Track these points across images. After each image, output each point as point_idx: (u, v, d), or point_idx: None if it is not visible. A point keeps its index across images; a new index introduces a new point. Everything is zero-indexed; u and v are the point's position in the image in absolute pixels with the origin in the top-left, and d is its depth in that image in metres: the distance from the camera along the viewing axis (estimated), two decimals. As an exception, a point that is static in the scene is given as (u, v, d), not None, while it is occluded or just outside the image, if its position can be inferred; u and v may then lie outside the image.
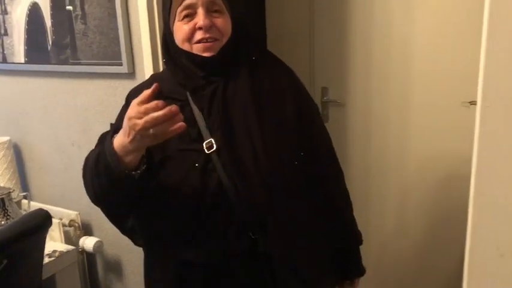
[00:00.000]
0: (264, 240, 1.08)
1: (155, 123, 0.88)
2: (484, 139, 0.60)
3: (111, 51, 1.64)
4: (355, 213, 2.04)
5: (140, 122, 0.88)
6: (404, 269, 2.23)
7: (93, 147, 1.20)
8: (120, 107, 1.23)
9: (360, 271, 1.31)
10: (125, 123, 0.93)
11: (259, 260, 1.10)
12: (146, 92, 0.90)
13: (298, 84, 1.23)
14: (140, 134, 0.90)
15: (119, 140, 0.96)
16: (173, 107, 0.88)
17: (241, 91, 1.10)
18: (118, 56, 1.62)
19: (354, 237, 1.30)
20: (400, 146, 2.17)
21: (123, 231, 1.23)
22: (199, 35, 1.06)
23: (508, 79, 0.60)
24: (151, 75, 1.35)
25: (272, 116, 1.12)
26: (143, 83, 1.26)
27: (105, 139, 1.06)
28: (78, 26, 1.69)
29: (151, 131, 0.89)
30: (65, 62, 1.78)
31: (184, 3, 1.06)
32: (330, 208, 1.23)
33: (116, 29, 1.60)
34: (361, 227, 2.00)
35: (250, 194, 1.06)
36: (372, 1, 2.10)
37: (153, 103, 0.89)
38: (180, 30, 1.08)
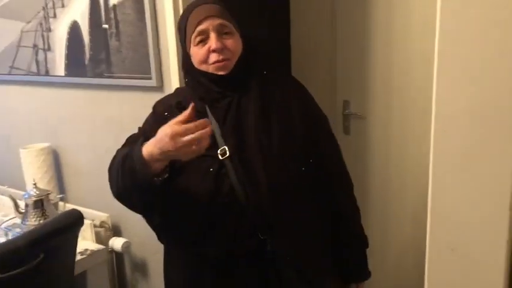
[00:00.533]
0: (271, 241, 1.16)
1: (190, 143, 0.99)
2: (438, 157, 0.68)
3: (141, 66, 1.75)
4: (374, 225, 2.10)
5: (175, 144, 0.99)
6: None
7: (121, 147, 1.33)
8: (149, 117, 1.36)
9: (365, 275, 1.35)
10: (164, 137, 1.01)
11: (266, 260, 1.18)
12: (186, 112, 1.01)
13: (306, 96, 1.30)
14: (173, 152, 1.00)
15: (149, 149, 1.05)
16: (203, 124, 0.99)
17: (252, 103, 1.19)
18: (148, 71, 1.74)
19: (360, 241, 1.34)
20: (419, 159, 2.19)
21: (152, 227, 1.29)
22: (213, 57, 1.16)
23: (457, 106, 0.67)
24: (176, 89, 1.48)
25: (281, 125, 1.20)
26: (168, 95, 1.38)
27: (133, 142, 1.19)
28: (113, 43, 1.82)
29: (184, 150, 0.99)
30: (100, 76, 1.90)
31: (198, 30, 1.17)
32: (336, 212, 1.29)
33: (147, 46, 1.72)
34: (379, 236, 2.06)
35: (258, 197, 1.14)
36: (393, 16, 2.15)
37: (189, 127, 0.99)
38: (197, 54, 1.19)
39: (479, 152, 0.73)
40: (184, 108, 1.08)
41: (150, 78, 1.74)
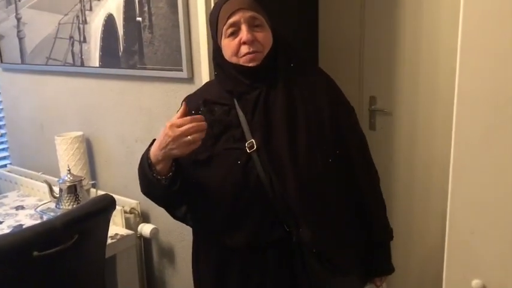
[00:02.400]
0: (297, 232, 1.19)
1: (186, 133, 1.08)
2: (459, 140, 0.70)
3: (173, 58, 1.80)
4: (399, 221, 2.10)
5: (173, 133, 1.08)
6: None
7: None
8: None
9: (389, 269, 1.35)
10: (162, 132, 1.11)
11: (292, 251, 1.21)
12: (178, 114, 1.12)
13: (334, 88, 1.32)
14: (171, 144, 1.09)
15: (153, 149, 1.15)
16: (199, 118, 1.10)
17: (280, 96, 1.22)
18: (179, 63, 1.78)
19: (385, 234, 1.35)
20: (445, 156, 2.17)
21: (174, 217, 1.37)
22: (244, 49, 1.19)
23: (479, 90, 0.69)
24: (205, 84, 1.51)
25: (309, 117, 1.22)
26: (198, 91, 1.41)
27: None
28: (146, 35, 1.88)
29: (180, 140, 1.08)
30: (133, 67, 1.95)
31: (229, 22, 1.19)
32: (362, 204, 1.30)
33: (178, 39, 1.76)
34: (403, 233, 2.04)
35: (285, 190, 1.17)
36: (421, 13, 2.14)
37: (186, 119, 1.10)
38: (228, 46, 1.21)
39: (499, 135, 0.75)
40: (210, 106, 1.21)
41: (181, 70, 1.79)
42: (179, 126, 1.08)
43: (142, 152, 1.24)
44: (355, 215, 1.30)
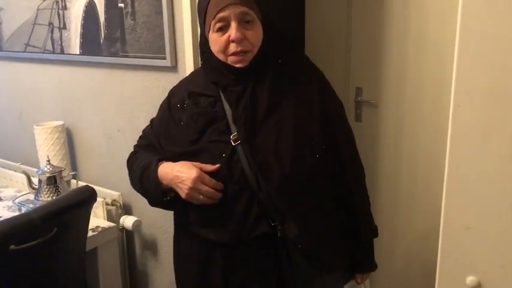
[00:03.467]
0: (281, 227, 1.17)
1: (203, 192, 1.16)
2: (455, 134, 0.69)
3: (156, 45, 1.76)
4: (384, 212, 2.09)
5: (195, 184, 1.15)
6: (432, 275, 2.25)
7: (138, 139, 1.39)
8: (162, 98, 1.37)
9: (371, 266, 1.35)
10: (187, 174, 1.16)
11: (278, 245, 1.19)
12: (214, 167, 1.17)
13: (323, 82, 1.29)
14: (185, 187, 1.16)
15: (164, 172, 1.20)
16: (220, 186, 1.17)
17: (267, 90, 1.18)
18: (162, 51, 1.74)
19: (369, 230, 1.34)
20: (431, 147, 2.19)
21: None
22: (232, 48, 1.14)
23: (477, 82, 0.68)
24: (191, 73, 1.45)
25: (296, 112, 1.19)
26: (183, 81, 1.37)
27: (148, 136, 1.33)
28: (128, 22, 1.83)
29: (194, 192, 1.16)
30: (114, 54, 1.91)
31: (218, 16, 1.12)
32: (348, 200, 1.28)
33: (162, 25, 1.71)
34: (389, 225, 2.03)
35: (269, 185, 1.14)
36: (409, 5, 2.13)
37: (213, 193, 1.17)
38: (216, 42, 1.16)
39: (496, 130, 0.73)
40: (195, 98, 1.22)
41: (164, 58, 1.75)
42: (205, 183, 1.15)
43: (124, 143, 1.22)
44: (340, 211, 1.28)
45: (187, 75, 1.52)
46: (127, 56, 1.87)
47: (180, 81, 1.38)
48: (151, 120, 1.38)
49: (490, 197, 0.74)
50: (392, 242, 2.32)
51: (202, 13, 1.19)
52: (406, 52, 2.19)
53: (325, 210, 1.25)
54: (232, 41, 1.13)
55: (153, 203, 1.31)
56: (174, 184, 1.18)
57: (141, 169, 1.26)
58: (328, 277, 1.27)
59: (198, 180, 1.14)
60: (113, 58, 1.92)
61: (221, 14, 1.12)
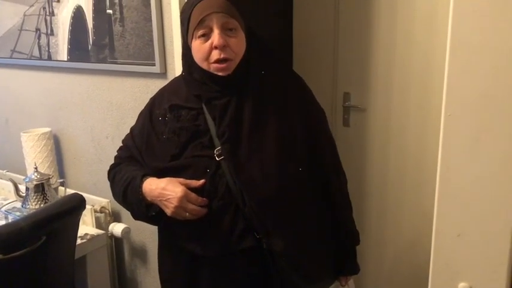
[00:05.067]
0: (267, 240, 1.17)
1: (188, 210, 1.15)
2: (447, 142, 0.70)
3: (145, 52, 1.75)
4: (372, 217, 2.09)
5: (181, 203, 1.14)
6: (418, 283, 2.27)
7: (118, 150, 1.37)
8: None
9: (355, 268, 1.36)
10: (173, 193, 1.14)
11: (265, 255, 1.19)
12: (199, 183, 1.16)
13: (305, 93, 1.29)
14: (170, 205, 1.15)
15: (148, 190, 1.19)
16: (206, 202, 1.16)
17: (250, 104, 1.17)
18: (151, 57, 1.74)
19: (352, 237, 1.35)
20: (418, 152, 2.21)
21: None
22: (215, 55, 1.13)
23: (468, 90, 0.69)
24: (173, 80, 1.40)
25: (279, 126, 1.18)
26: (163, 90, 1.34)
27: (128, 147, 1.32)
28: (117, 28, 1.82)
29: (180, 210, 1.15)
30: (103, 61, 1.90)
31: (201, 24, 1.12)
32: (331, 209, 1.29)
33: (151, 32, 1.71)
34: (376, 230, 2.02)
35: (254, 199, 1.15)
36: (395, 10, 2.15)
37: (199, 210, 1.16)
38: (199, 49, 1.15)
39: (488, 137, 0.74)
40: (177, 111, 1.21)
41: (153, 65, 1.74)
42: (191, 201, 1.14)
43: (113, 150, 1.21)
44: (324, 220, 1.29)
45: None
46: (116, 63, 1.86)
47: (162, 90, 1.35)
48: (131, 130, 1.36)
49: (481, 204, 0.75)
50: (380, 246, 2.33)
51: (185, 22, 1.18)
52: (393, 57, 2.21)
53: (308, 220, 1.25)
54: (215, 48, 1.12)
55: (137, 217, 1.29)
56: (159, 202, 1.17)
57: (125, 183, 1.25)
58: (316, 285, 1.28)
59: (184, 198, 1.13)
60: (102, 65, 1.91)
61: (204, 22, 1.12)
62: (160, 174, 1.20)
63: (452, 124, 0.71)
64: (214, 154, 1.16)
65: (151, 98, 1.35)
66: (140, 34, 1.76)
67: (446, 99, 0.71)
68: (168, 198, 1.14)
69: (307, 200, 1.24)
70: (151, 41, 1.72)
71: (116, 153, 1.38)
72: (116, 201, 1.32)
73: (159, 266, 1.38)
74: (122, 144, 1.38)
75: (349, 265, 1.35)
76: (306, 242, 1.23)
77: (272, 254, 1.18)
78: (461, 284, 0.75)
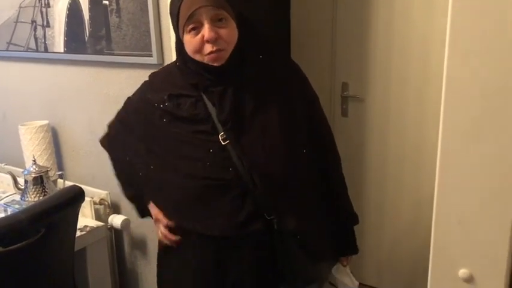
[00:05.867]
0: (277, 221, 1.19)
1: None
2: (446, 129, 0.70)
3: (142, 43, 1.75)
4: (371, 205, 2.08)
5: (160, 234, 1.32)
6: (416, 266, 2.29)
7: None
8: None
9: (355, 249, 1.39)
10: (157, 217, 1.32)
11: (274, 234, 1.20)
12: (169, 235, 1.29)
13: (302, 77, 1.30)
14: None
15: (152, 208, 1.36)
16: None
17: (249, 89, 1.18)
18: (148, 48, 1.73)
19: (351, 218, 1.37)
20: (416, 141, 2.22)
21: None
22: (208, 48, 1.12)
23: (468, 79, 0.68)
24: (165, 68, 1.40)
25: (279, 110, 1.20)
26: (157, 77, 1.33)
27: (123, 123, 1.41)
28: (113, 19, 1.81)
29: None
30: (100, 53, 1.89)
31: (190, 19, 1.11)
32: (331, 191, 1.32)
33: (147, 22, 1.70)
34: (376, 217, 2.01)
35: (263, 181, 1.16)
36: (394, 1, 2.15)
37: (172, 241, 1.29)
38: (190, 43, 1.14)
39: (488, 125, 0.74)
40: (176, 99, 1.22)
41: (150, 56, 1.73)
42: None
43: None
44: (325, 201, 1.32)
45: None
46: (112, 54, 1.85)
47: (155, 76, 1.34)
48: (117, 112, 1.44)
49: (481, 191, 0.75)
50: (379, 232, 2.35)
51: (174, 17, 1.18)
52: (391, 47, 2.21)
53: (316, 201, 1.29)
54: (207, 41, 1.12)
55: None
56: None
57: (124, 178, 1.43)
58: (320, 264, 1.32)
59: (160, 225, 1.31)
60: (98, 56, 1.91)
61: (193, 17, 1.12)
62: (165, 166, 1.25)
63: (452, 111, 0.71)
64: (219, 139, 1.17)
65: (140, 87, 1.35)
66: (137, 25, 1.75)
67: (446, 86, 0.71)
68: (157, 224, 1.34)
69: (313, 179, 1.27)
70: (148, 31, 1.71)
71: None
72: (118, 190, 1.43)
73: (159, 251, 1.41)
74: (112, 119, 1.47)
75: (349, 245, 1.38)
76: (315, 221, 1.27)
77: (281, 235, 1.20)
78: (462, 271, 0.75)
